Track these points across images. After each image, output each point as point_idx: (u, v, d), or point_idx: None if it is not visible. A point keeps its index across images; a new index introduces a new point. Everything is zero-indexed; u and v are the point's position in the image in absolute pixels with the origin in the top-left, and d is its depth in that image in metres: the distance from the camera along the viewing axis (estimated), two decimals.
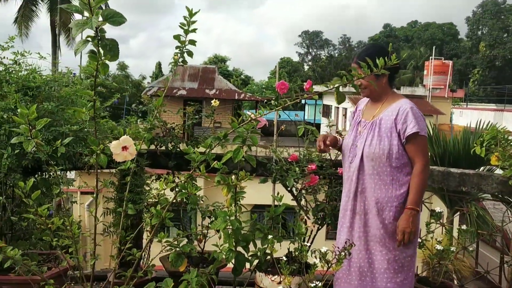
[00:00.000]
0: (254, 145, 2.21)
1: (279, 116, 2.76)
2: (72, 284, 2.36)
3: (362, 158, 2.51)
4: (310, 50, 59.03)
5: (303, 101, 31.03)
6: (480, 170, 8.60)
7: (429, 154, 7.79)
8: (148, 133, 2.36)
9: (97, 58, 1.45)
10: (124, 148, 1.69)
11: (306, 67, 56.99)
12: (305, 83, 2.87)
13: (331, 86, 1.75)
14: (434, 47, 24.15)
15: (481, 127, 8.90)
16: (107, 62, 1.47)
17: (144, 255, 3.38)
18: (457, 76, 41.25)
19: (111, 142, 1.78)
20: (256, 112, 2.32)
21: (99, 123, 2.29)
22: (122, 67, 31.46)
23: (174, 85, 23.65)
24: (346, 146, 2.66)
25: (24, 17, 23.85)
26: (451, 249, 3.19)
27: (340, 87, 2.01)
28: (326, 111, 26.16)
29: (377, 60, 2.00)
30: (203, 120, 4.58)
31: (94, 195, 2.02)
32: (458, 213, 8.68)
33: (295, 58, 57.77)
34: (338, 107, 23.47)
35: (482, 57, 45.45)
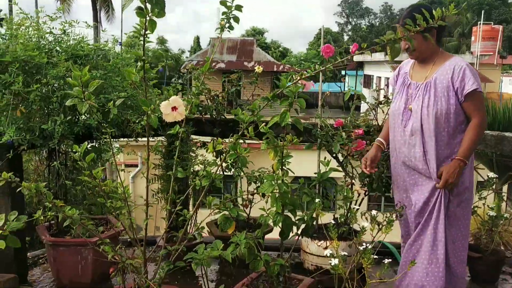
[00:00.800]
0: (302, 107, 2.17)
1: (324, 80, 2.69)
2: (125, 247, 2.43)
3: (421, 120, 2.44)
4: (350, 20, 57.49)
5: (343, 72, 30.45)
6: None
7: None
8: (195, 98, 2.37)
9: (145, 14, 1.45)
10: (174, 108, 1.70)
11: (346, 37, 55.66)
12: (350, 46, 2.79)
13: (385, 41, 1.68)
14: (482, 12, 22.95)
15: None
16: (154, 18, 1.47)
17: (191, 220, 3.45)
18: (506, 42, 39.23)
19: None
20: (303, 72, 2.27)
21: (149, 86, 2.31)
22: (161, 41, 31.76)
23: (213, 58, 23.64)
24: (396, 111, 2.58)
25: None
26: (505, 215, 3.10)
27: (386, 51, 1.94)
28: (367, 81, 25.58)
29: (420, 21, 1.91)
30: (242, 93, 4.56)
31: (146, 158, 2.05)
32: (507, 183, 8.40)
33: (335, 28, 56.49)
34: (379, 77, 22.88)
35: None
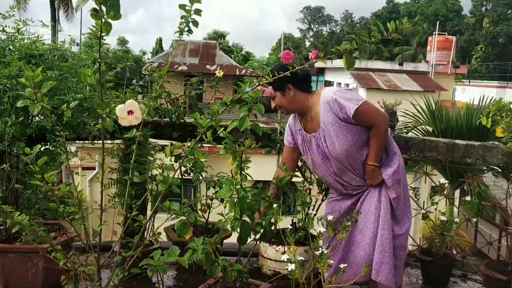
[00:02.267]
0: (260, 113, 2.19)
1: None
2: (78, 254, 2.37)
3: (340, 161, 2.59)
4: (312, 26, 58.37)
5: None
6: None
7: (431, 129, 7.77)
8: (153, 101, 2.33)
9: (100, 16, 1.42)
10: (130, 112, 1.67)
11: (307, 43, 56.43)
12: (310, 53, 2.83)
13: (341, 50, 1.71)
14: (437, 23, 23.82)
15: (484, 103, 8.87)
16: (110, 21, 1.44)
17: (148, 226, 3.39)
18: (460, 52, 40.83)
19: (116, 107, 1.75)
20: (262, 78, 2.28)
21: (105, 88, 2.27)
22: (122, 42, 31.17)
23: (174, 61, 23.44)
24: (318, 164, 2.70)
25: None
26: (455, 220, 3.21)
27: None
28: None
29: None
30: (204, 96, 4.54)
31: (100, 161, 2.00)
32: (459, 188, 8.72)
33: (297, 34, 57.19)
34: (339, 83, 23.33)
35: (485, 34, 44.97)
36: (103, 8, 1.41)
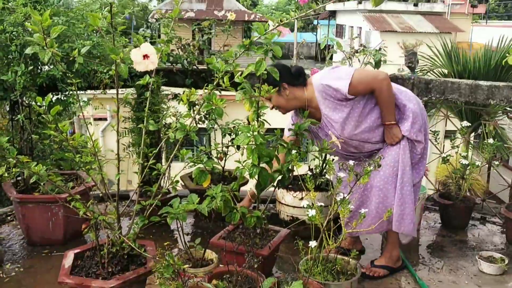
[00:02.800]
0: (278, 55, 2.08)
1: (299, 29, 2.60)
2: (96, 203, 2.36)
3: (349, 139, 2.56)
4: None
5: (315, 22, 30.00)
6: None
7: (447, 71, 7.53)
8: (166, 45, 2.24)
9: None
10: (145, 56, 1.58)
11: None
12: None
13: None
14: None
15: (503, 44, 8.57)
16: None
17: (165, 174, 3.38)
18: None
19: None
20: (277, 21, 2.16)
21: (117, 33, 2.18)
22: None
23: (182, 7, 22.80)
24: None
25: None
26: (477, 163, 3.14)
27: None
28: (340, 31, 25.33)
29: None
30: (213, 42, 4.39)
31: (115, 111, 1.94)
32: (473, 133, 8.61)
33: None
34: (352, 26, 22.67)
35: None
36: None
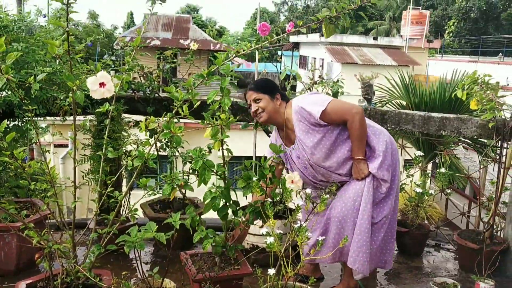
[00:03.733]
0: (235, 87, 2.14)
1: (260, 60, 2.68)
2: (52, 231, 2.31)
3: (320, 170, 2.61)
4: (287, 0, 57.71)
5: (279, 53, 30.63)
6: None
7: (405, 103, 7.81)
8: (126, 74, 2.26)
9: None
10: (102, 84, 1.59)
11: (282, 18, 55.91)
12: (287, 25, 2.78)
13: (320, 18, 1.67)
14: None
15: (456, 77, 8.99)
16: None
17: (124, 202, 3.34)
18: (433, 27, 41.14)
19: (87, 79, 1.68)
20: (239, 46, 2.23)
21: (74, 60, 2.18)
22: (93, 16, 30.21)
23: (147, 35, 22.87)
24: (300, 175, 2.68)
25: None
26: (430, 192, 3.26)
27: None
28: (303, 61, 25.94)
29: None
30: (178, 71, 4.43)
31: (73, 136, 1.93)
32: (431, 161, 8.89)
33: (271, 9, 56.53)
34: (315, 58, 23.28)
35: (458, 8, 45.32)
36: None
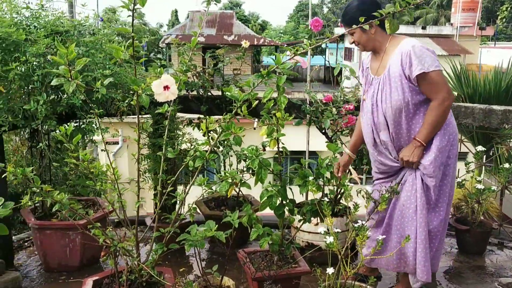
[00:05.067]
0: (290, 86, 2.13)
1: (312, 56, 2.65)
2: (113, 228, 2.38)
3: (384, 114, 2.41)
4: None
5: (323, 45, 30.26)
6: None
7: (457, 94, 7.50)
8: (184, 75, 2.29)
9: None
10: (166, 87, 1.62)
11: (325, 10, 55.23)
12: (338, 20, 2.73)
13: (384, 14, 1.62)
14: None
15: None
16: None
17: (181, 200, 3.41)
18: (484, 13, 39.42)
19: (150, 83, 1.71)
20: (292, 48, 2.21)
21: (139, 64, 2.24)
22: (139, 15, 30.90)
23: (191, 33, 23.16)
24: (366, 109, 2.53)
25: None
26: (493, 188, 3.13)
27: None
28: (348, 54, 25.52)
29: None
30: (222, 67, 4.45)
31: (135, 138, 1.99)
32: (485, 155, 8.52)
33: (314, 1, 55.91)
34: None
35: None
36: None
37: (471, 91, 8.59)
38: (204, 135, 2.94)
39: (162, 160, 2.23)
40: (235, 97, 1.85)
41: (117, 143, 13.25)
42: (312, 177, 2.41)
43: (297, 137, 4.08)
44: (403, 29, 21.29)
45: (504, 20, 42.74)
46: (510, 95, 8.43)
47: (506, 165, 3.13)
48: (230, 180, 2.32)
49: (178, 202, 2.26)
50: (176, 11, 43.88)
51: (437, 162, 2.37)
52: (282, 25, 50.70)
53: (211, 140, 1.98)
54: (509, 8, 42.96)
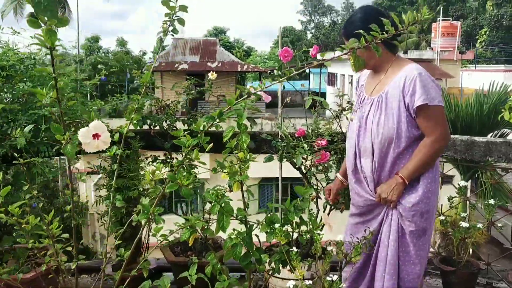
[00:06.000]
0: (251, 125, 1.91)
1: (283, 87, 2.45)
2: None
3: (372, 139, 2.17)
4: (313, 18, 57.84)
5: (307, 70, 30.48)
6: (494, 134, 8.28)
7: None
8: (136, 113, 2.07)
9: (39, 24, 1.14)
10: (96, 136, 1.38)
11: (309, 35, 55.98)
12: (310, 49, 2.56)
13: (346, 50, 1.42)
14: (440, 8, 23.27)
15: (494, 89, 8.52)
16: (54, 29, 1.16)
17: (144, 243, 3.15)
18: (464, 37, 40.18)
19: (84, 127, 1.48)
20: (259, 84, 2.01)
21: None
22: (121, 43, 30.85)
23: (175, 59, 23.15)
24: (351, 129, 2.31)
25: None
26: (478, 226, 2.92)
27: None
28: (332, 79, 25.62)
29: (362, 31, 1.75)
30: (206, 94, 4.27)
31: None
32: (470, 181, 8.36)
33: (298, 27, 56.69)
34: (343, 75, 22.95)
35: (489, 17, 44.23)
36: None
37: (453, 115, 8.52)
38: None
39: (109, 209, 1.98)
40: (182, 143, 1.62)
41: (98, 172, 12.89)
42: (279, 225, 2.17)
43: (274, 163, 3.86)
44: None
45: (483, 43, 43.63)
46: (492, 119, 8.36)
47: (491, 201, 2.93)
48: (192, 227, 2.09)
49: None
50: (161, 38, 43.94)
51: (420, 206, 2.12)
52: (267, 51, 51.11)
53: (159, 189, 1.73)
54: (487, 32, 43.94)
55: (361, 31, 1.80)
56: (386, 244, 2.18)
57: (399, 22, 1.50)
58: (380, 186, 2.18)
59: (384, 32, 1.79)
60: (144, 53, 36.13)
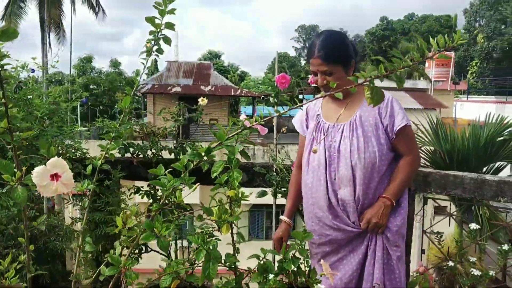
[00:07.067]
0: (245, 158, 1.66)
1: (280, 117, 2.20)
2: None
3: (352, 167, 2.00)
4: (307, 44, 58.42)
5: (300, 96, 30.54)
6: (489, 168, 8.13)
7: (437, 151, 7.22)
8: (113, 142, 1.82)
9: None
10: (54, 176, 1.11)
11: (303, 62, 56.47)
12: (309, 76, 2.35)
13: (366, 78, 1.19)
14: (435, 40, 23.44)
15: (490, 120, 8.41)
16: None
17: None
18: (455, 68, 40.75)
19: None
20: (256, 116, 1.77)
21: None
22: (115, 64, 30.73)
23: (168, 82, 23.00)
24: (316, 161, 2.08)
25: (13, 14, 23.07)
26: (491, 273, 2.67)
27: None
28: None
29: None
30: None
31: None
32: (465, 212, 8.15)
33: (292, 53, 57.25)
34: None
35: (480, 49, 44.96)
36: None
37: (449, 146, 8.35)
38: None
39: (79, 249, 1.70)
40: (161, 184, 1.36)
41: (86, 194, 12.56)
42: (273, 276, 1.90)
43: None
44: (377, 81, 21.53)
45: (474, 74, 44.22)
46: (489, 152, 8.21)
47: (505, 247, 2.69)
48: (173, 273, 1.82)
49: None
50: (156, 60, 44.07)
51: (403, 229, 2.06)
52: (261, 76, 51.38)
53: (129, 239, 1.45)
54: (478, 64, 44.59)
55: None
56: (371, 272, 2.02)
57: (426, 48, 1.27)
58: (366, 211, 2.02)
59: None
60: (138, 75, 36.04)
